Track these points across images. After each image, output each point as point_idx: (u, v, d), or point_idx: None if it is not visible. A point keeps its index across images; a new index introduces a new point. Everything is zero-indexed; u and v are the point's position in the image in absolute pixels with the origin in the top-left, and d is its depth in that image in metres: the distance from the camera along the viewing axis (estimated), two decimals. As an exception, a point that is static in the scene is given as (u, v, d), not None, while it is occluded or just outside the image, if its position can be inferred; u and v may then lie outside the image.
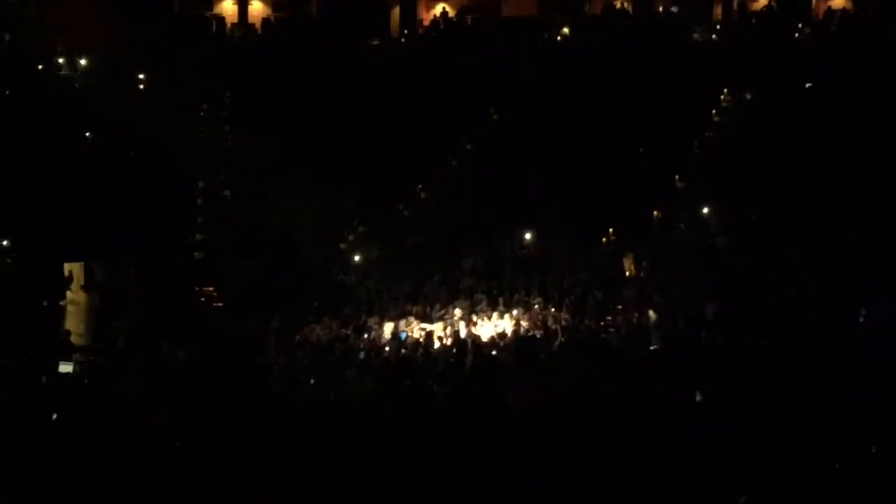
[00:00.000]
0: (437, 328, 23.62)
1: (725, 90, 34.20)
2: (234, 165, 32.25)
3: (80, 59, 35.16)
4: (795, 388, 17.30)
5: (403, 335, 23.43)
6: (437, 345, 22.56)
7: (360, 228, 30.67)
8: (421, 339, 23.01)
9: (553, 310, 24.84)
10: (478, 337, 23.19)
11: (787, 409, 15.46)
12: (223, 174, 32.18)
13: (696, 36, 35.84)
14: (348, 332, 23.61)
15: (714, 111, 33.83)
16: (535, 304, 25.20)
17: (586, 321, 24.05)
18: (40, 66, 34.79)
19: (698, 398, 16.80)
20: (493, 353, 21.85)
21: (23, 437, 14.68)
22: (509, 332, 23.52)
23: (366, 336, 23.72)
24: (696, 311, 23.46)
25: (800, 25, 35.05)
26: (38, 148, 28.96)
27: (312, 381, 19.63)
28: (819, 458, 13.71)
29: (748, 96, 33.85)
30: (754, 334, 21.21)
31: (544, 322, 24.00)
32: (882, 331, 20.91)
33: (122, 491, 13.86)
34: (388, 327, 23.88)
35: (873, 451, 13.56)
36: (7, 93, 33.15)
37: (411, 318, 24.42)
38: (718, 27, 36.80)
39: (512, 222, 29.27)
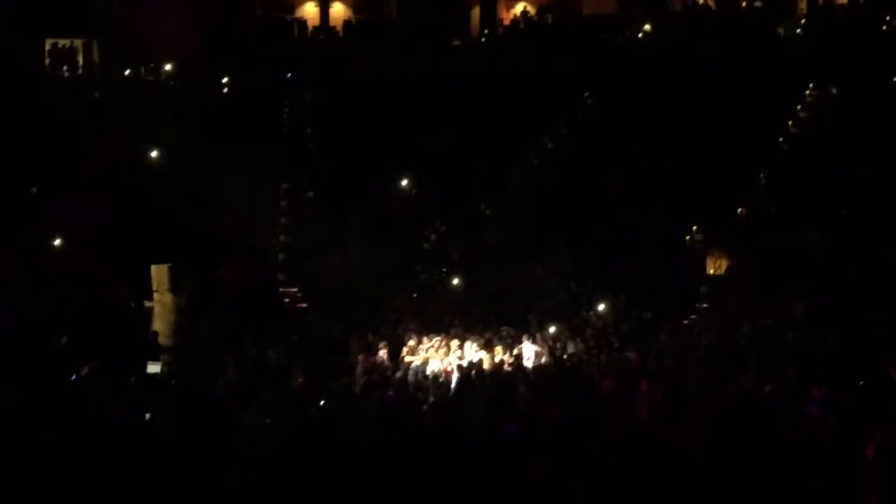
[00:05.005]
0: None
1: (811, 85, 33.62)
2: (316, 166, 32.45)
3: (165, 64, 35.66)
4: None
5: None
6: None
7: (442, 228, 30.64)
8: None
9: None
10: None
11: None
12: (306, 175, 32.37)
13: (780, 30, 35.34)
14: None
15: (799, 106, 33.28)
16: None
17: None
18: (127, 72, 35.37)
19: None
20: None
21: (114, 437, 14.86)
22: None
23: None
24: (784, 309, 23.19)
25: (888, 18, 34.34)
26: (127, 154, 29.58)
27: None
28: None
29: (834, 91, 33.22)
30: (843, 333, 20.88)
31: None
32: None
33: (210, 491, 13.98)
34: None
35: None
36: (97, 95, 33.80)
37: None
38: (803, 21, 36.22)
39: (594, 221, 29.15)
